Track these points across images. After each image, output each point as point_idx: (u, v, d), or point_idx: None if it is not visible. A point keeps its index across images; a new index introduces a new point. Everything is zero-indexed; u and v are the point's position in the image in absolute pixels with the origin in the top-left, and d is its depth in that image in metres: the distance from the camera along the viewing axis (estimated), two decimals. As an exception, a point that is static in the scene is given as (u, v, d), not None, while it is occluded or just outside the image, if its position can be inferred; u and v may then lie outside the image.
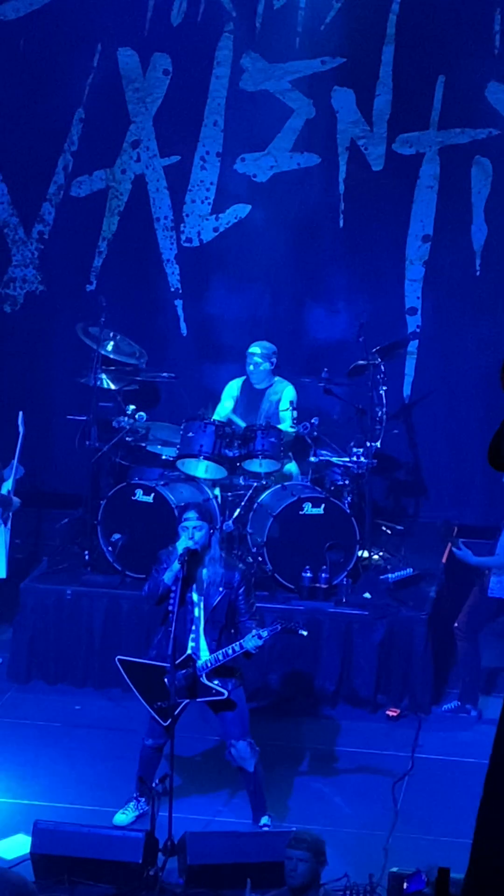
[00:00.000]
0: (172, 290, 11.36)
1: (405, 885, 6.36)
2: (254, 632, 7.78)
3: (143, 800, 8.03)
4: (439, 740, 9.16)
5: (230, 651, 7.80)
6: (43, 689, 9.75)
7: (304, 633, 8.01)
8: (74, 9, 11.03)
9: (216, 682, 7.85)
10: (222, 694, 7.84)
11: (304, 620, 9.56)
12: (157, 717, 7.86)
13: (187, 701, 7.83)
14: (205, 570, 7.92)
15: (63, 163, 11.28)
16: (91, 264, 11.35)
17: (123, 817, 8.10)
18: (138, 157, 11.25)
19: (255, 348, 10.27)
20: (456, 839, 7.98)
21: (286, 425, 10.10)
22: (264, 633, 7.78)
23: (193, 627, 7.91)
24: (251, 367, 10.28)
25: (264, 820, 7.98)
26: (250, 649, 7.79)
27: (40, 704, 9.53)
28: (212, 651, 7.87)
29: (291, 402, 10.22)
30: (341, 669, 9.56)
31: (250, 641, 7.76)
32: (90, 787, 8.46)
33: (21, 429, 10.00)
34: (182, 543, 7.88)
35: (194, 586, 7.91)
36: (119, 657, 8.11)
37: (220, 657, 7.81)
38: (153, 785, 7.56)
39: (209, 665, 7.82)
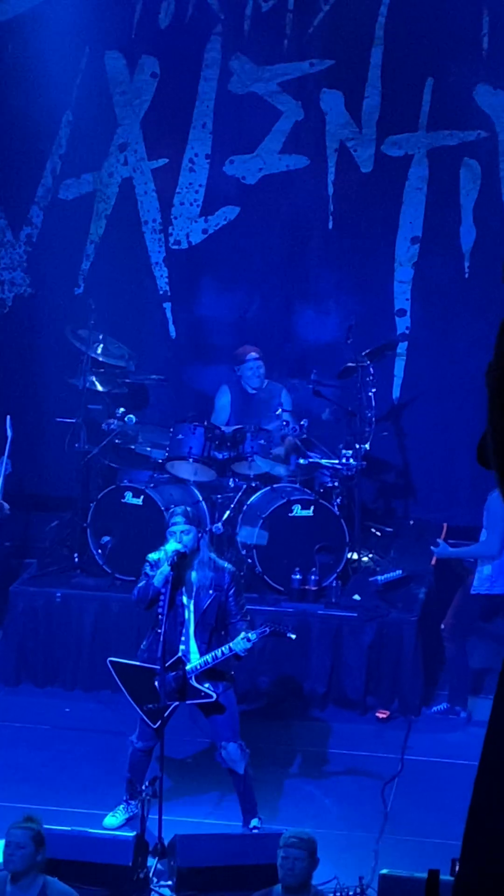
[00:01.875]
0: (161, 292, 11.35)
1: None
2: (242, 634, 7.78)
3: (133, 802, 8.03)
4: (429, 742, 9.16)
5: (220, 654, 7.80)
6: (32, 691, 9.74)
7: (293, 636, 8.01)
8: (62, 12, 11.01)
9: (206, 684, 7.84)
10: (212, 696, 7.83)
11: (294, 622, 9.58)
12: (146, 719, 7.85)
13: (177, 703, 7.83)
14: (194, 573, 7.92)
15: (51, 165, 11.27)
16: (79, 267, 11.34)
17: (113, 820, 8.09)
18: (126, 160, 11.24)
19: (253, 353, 10.29)
20: (445, 841, 7.98)
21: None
22: (253, 636, 7.78)
23: (183, 630, 7.91)
24: (251, 372, 10.28)
25: (254, 822, 7.98)
26: (239, 652, 7.79)
27: (30, 707, 9.52)
28: (202, 653, 7.87)
29: (280, 404, 10.25)
30: (331, 671, 9.56)
31: (239, 644, 7.76)
32: (80, 790, 8.45)
33: (9, 433, 9.99)
34: (171, 546, 7.87)
35: (184, 589, 7.91)
36: (110, 659, 8.10)
37: (210, 660, 7.81)
38: (143, 787, 7.55)
39: (199, 668, 7.82)
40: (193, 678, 7.81)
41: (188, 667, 7.82)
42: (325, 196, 11.01)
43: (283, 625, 8.13)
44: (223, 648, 7.78)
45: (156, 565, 7.93)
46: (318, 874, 6.99)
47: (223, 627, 7.90)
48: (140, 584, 8.00)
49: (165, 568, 7.82)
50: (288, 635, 7.91)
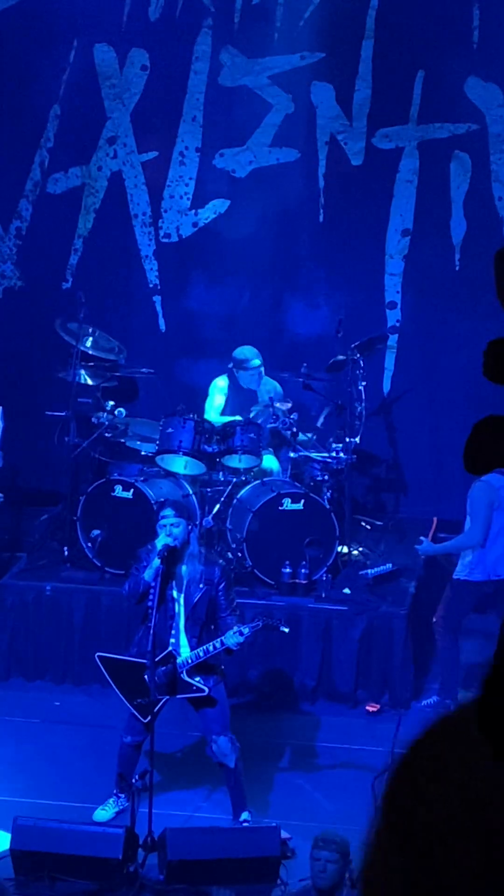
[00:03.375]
0: (151, 286, 11.33)
1: None
2: (235, 628, 7.76)
3: (123, 796, 8.01)
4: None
5: (211, 648, 7.79)
6: (22, 685, 9.73)
7: (286, 629, 7.99)
8: (51, 4, 10.98)
9: (197, 678, 7.83)
10: (203, 691, 7.82)
11: (284, 616, 9.56)
12: (136, 713, 7.84)
13: (167, 698, 7.82)
14: (184, 567, 7.90)
15: (39, 159, 11.24)
16: (68, 261, 11.32)
17: (103, 813, 8.08)
18: (115, 154, 11.22)
19: (253, 356, 10.23)
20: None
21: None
22: (245, 630, 7.77)
23: (173, 624, 7.89)
24: (250, 378, 10.26)
25: (244, 815, 7.96)
26: (231, 646, 7.77)
27: (19, 701, 9.50)
28: (192, 648, 7.86)
29: (271, 397, 10.25)
30: (321, 665, 9.56)
31: (232, 638, 7.74)
32: (70, 784, 8.43)
33: (1, 423, 9.97)
34: (161, 541, 7.86)
35: (174, 583, 7.89)
36: (99, 654, 8.09)
37: (201, 654, 7.79)
38: (133, 781, 7.54)
39: (190, 662, 7.81)
40: (185, 672, 7.80)
41: (179, 661, 7.81)
42: (315, 189, 11.00)
43: (276, 618, 8.11)
44: (215, 642, 7.77)
45: (144, 562, 7.91)
46: (308, 867, 6.98)
47: (213, 622, 7.89)
48: (129, 580, 7.99)
49: (156, 562, 7.80)
50: (281, 628, 7.89)
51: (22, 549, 10.69)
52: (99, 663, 8.03)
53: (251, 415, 10.14)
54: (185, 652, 7.84)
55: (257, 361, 10.26)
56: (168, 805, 8.00)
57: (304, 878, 7.07)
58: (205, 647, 7.78)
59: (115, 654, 8.13)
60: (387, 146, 10.94)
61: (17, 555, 10.62)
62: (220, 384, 10.45)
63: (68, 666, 9.74)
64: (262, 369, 10.30)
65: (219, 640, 7.77)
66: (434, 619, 9.43)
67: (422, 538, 9.54)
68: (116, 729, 8.12)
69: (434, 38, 10.69)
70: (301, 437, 10.13)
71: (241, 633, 7.72)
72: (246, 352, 10.31)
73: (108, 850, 7.40)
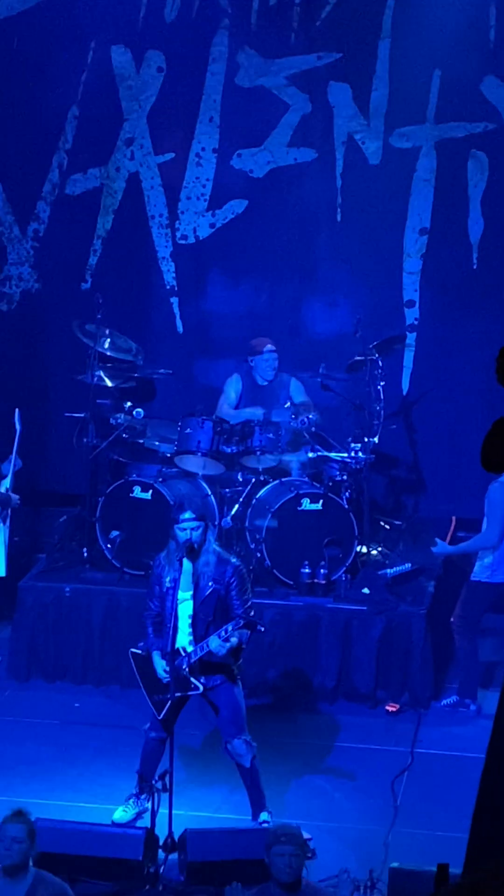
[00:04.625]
0: (168, 287, 11.35)
1: None
2: (219, 631, 7.71)
3: (143, 797, 8.02)
4: (439, 735, 9.15)
5: (199, 649, 7.77)
6: (42, 686, 9.75)
7: (262, 628, 7.92)
8: (68, 6, 11.01)
9: (202, 678, 7.82)
10: (198, 689, 7.80)
11: (303, 616, 9.59)
12: (153, 709, 7.85)
13: (179, 695, 7.78)
14: (199, 565, 7.89)
15: (57, 160, 11.27)
16: (86, 262, 11.34)
17: (123, 814, 8.09)
18: (132, 155, 11.24)
19: (268, 346, 10.28)
20: (455, 834, 7.96)
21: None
22: (223, 633, 7.69)
23: (185, 621, 7.87)
24: (266, 364, 10.29)
25: (264, 816, 7.96)
26: (213, 649, 7.73)
27: (39, 702, 9.52)
28: (194, 645, 7.84)
29: (291, 398, 10.27)
30: (340, 665, 9.55)
31: (213, 641, 7.72)
32: (89, 785, 8.45)
33: (18, 426, 9.99)
34: (180, 538, 7.84)
35: (188, 581, 7.89)
36: (132, 650, 8.07)
37: (198, 651, 7.79)
38: (153, 782, 7.54)
39: (189, 660, 7.79)
40: (187, 670, 7.78)
41: (179, 658, 7.78)
42: (333, 189, 11.00)
43: (254, 616, 7.99)
44: (203, 643, 7.74)
45: (161, 570, 7.90)
46: (328, 867, 6.99)
47: (224, 622, 7.82)
48: (152, 598, 7.96)
49: (175, 563, 7.81)
50: (258, 628, 7.83)
51: (41, 550, 10.72)
52: (131, 659, 8.03)
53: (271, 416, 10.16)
54: (189, 649, 7.83)
55: (270, 347, 10.28)
56: (188, 806, 8.01)
57: (324, 878, 7.07)
58: (199, 645, 7.77)
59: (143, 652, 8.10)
60: (404, 145, 10.93)
61: (36, 556, 10.65)
62: (234, 387, 10.48)
63: (88, 667, 9.75)
64: (277, 358, 10.31)
65: (205, 641, 7.74)
66: (452, 619, 9.42)
67: (437, 539, 9.54)
68: (136, 730, 8.14)
69: (451, 38, 10.67)
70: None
71: (220, 636, 7.69)
72: (260, 339, 10.36)
73: (128, 851, 7.41)
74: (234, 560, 7.99)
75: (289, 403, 10.28)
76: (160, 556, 8.00)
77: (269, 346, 10.36)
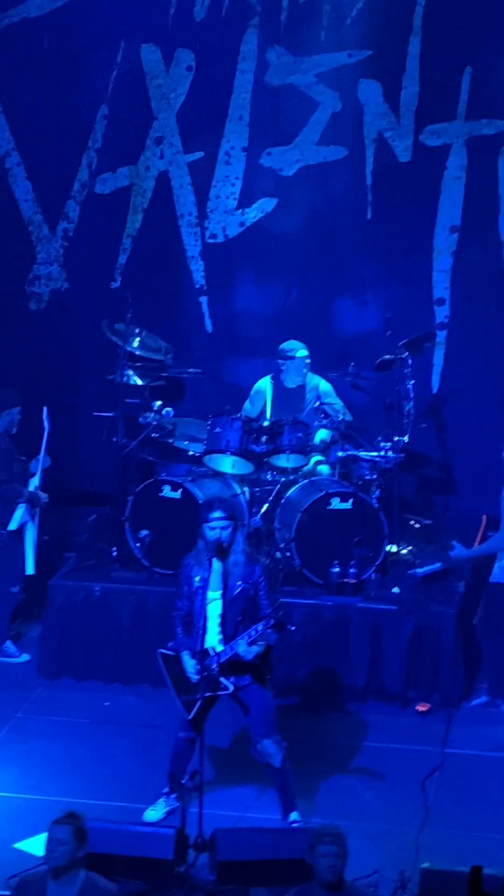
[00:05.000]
0: (197, 286, 11.34)
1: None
2: (248, 631, 7.69)
3: (174, 796, 8.01)
4: (469, 735, 9.12)
5: (228, 649, 7.75)
6: (72, 685, 9.75)
7: (293, 628, 7.89)
8: (98, 5, 11.02)
9: (231, 678, 7.80)
10: (228, 689, 7.79)
11: (333, 615, 9.57)
12: (182, 710, 7.84)
13: (208, 695, 7.77)
14: (228, 565, 7.87)
15: (87, 160, 11.28)
16: (116, 261, 11.35)
17: (154, 814, 8.08)
18: (162, 154, 11.24)
19: (302, 351, 10.24)
20: (487, 834, 7.96)
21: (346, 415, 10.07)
22: (252, 633, 7.67)
23: (214, 621, 7.86)
24: (295, 371, 10.24)
25: (293, 816, 7.94)
26: (241, 653, 7.71)
27: (69, 701, 9.53)
28: (224, 645, 7.83)
29: (319, 397, 10.23)
30: (370, 665, 9.53)
31: (240, 646, 7.70)
32: (120, 784, 8.44)
33: (46, 424, 10.00)
34: (210, 537, 7.83)
35: (217, 581, 7.87)
36: (161, 650, 8.06)
37: (227, 651, 7.77)
38: (183, 781, 7.53)
39: (219, 660, 7.78)
40: (216, 669, 7.77)
41: (209, 657, 7.77)
42: (363, 187, 10.98)
43: (285, 615, 7.95)
44: (231, 644, 7.72)
45: (190, 571, 7.89)
46: (360, 867, 6.96)
47: (253, 622, 7.80)
48: (181, 600, 7.95)
49: (204, 562, 7.80)
50: (289, 627, 7.80)
51: (70, 549, 10.73)
52: (159, 659, 8.02)
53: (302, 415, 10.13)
54: (219, 649, 7.82)
55: (303, 352, 10.24)
56: (218, 805, 8.00)
57: (357, 877, 7.04)
58: (228, 645, 7.75)
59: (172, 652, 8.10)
60: (434, 143, 10.90)
61: (65, 555, 10.66)
62: (262, 389, 10.43)
63: (117, 666, 9.76)
64: (308, 364, 10.27)
65: (230, 644, 7.71)
66: (475, 621, 9.39)
67: (454, 543, 9.49)
68: (166, 729, 8.14)
69: (481, 35, 10.64)
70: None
71: (248, 637, 7.66)
72: (293, 343, 10.32)
73: (158, 850, 7.39)
74: (262, 559, 7.99)
75: (318, 403, 10.23)
76: (189, 556, 7.99)
77: (302, 352, 10.28)
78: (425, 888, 7.03)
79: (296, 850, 7.41)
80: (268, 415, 10.27)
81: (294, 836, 7.64)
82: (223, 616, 7.83)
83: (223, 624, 7.83)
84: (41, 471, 9.99)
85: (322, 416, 10.10)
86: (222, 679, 7.77)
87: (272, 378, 10.47)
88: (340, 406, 10.26)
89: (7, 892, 6.83)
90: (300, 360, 10.26)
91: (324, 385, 10.38)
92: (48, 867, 6.58)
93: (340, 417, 10.07)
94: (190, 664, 7.81)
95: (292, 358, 10.28)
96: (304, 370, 10.30)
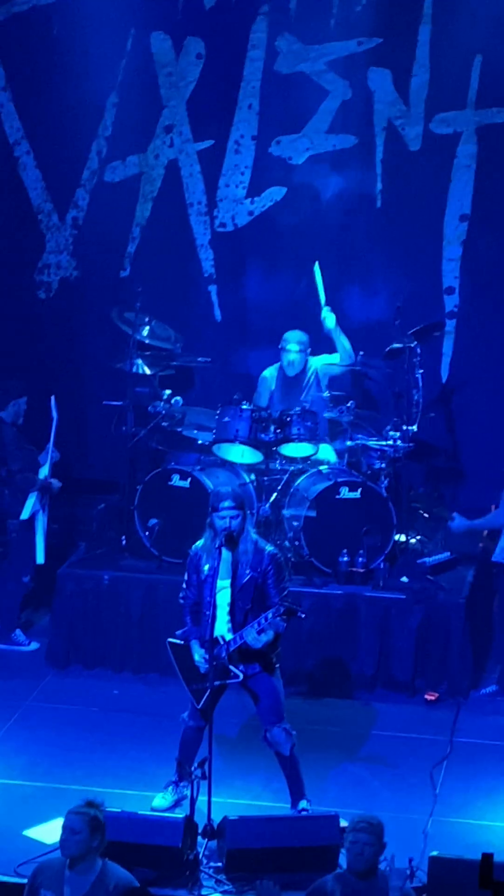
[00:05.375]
0: (206, 275, 11.34)
1: None
2: (257, 620, 7.69)
3: (182, 784, 8.02)
4: (478, 724, 9.13)
5: (238, 638, 7.75)
6: (81, 673, 9.77)
7: (303, 615, 7.87)
8: (107, -7, 11.02)
9: (240, 666, 7.80)
10: (238, 677, 7.79)
11: (341, 605, 9.57)
12: (192, 698, 7.85)
13: (219, 683, 7.78)
14: (237, 554, 7.87)
15: (97, 148, 11.27)
16: (125, 250, 11.35)
17: (162, 801, 8.09)
18: (171, 142, 11.23)
19: (292, 345, 10.23)
20: (494, 823, 7.97)
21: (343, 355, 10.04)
22: (263, 621, 7.66)
23: (223, 609, 7.86)
24: (290, 359, 10.25)
25: (303, 804, 7.95)
26: (249, 642, 7.71)
27: (78, 689, 9.55)
28: (233, 634, 7.83)
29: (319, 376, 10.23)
30: (379, 653, 9.54)
31: (249, 634, 7.69)
32: (128, 772, 8.46)
33: (54, 414, 10.01)
34: (219, 526, 7.82)
35: (226, 569, 7.87)
36: (169, 640, 8.06)
37: (237, 640, 7.77)
38: (192, 769, 7.54)
39: (228, 648, 7.78)
40: (226, 658, 7.78)
41: (218, 647, 7.77)
42: (372, 175, 10.96)
43: (297, 603, 7.94)
44: (240, 633, 7.72)
45: (200, 561, 7.88)
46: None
47: (262, 610, 7.79)
48: (188, 590, 7.96)
49: (214, 552, 7.80)
50: (299, 614, 7.79)
51: (80, 538, 10.73)
52: (168, 648, 8.02)
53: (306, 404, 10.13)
54: (228, 637, 7.82)
55: (294, 346, 10.23)
56: (227, 793, 8.02)
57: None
58: (238, 633, 7.75)
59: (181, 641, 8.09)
60: (444, 131, 10.88)
61: (74, 544, 10.67)
62: (267, 377, 10.45)
63: (127, 654, 9.77)
64: (303, 353, 10.24)
65: (239, 632, 7.71)
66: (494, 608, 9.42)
67: (454, 514, 9.50)
68: (174, 717, 8.14)
69: (492, 22, 10.60)
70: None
71: (257, 625, 7.66)
72: (288, 334, 10.31)
73: (167, 838, 7.41)
74: (270, 548, 7.95)
75: (327, 393, 10.23)
76: (197, 545, 7.99)
77: (290, 345, 10.28)
78: (434, 876, 7.04)
79: (305, 838, 7.45)
80: (265, 402, 10.27)
81: (303, 823, 7.67)
82: (232, 605, 7.83)
83: (232, 612, 7.83)
84: (50, 463, 9.99)
85: (332, 404, 10.10)
86: (231, 668, 7.78)
87: (278, 367, 10.47)
88: (344, 351, 10.19)
89: (22, 881, 6.84)
90: (293, 352, 10.26)
91: (319, 362, 10.34)
92: (63, 856, 6.58)
93: (348, 405, 10.00)
94: (199, 653, 7.82)
95: (285, 350, 10.30)
96: (301, 358, 10.29)
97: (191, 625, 7.93)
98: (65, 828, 6.55)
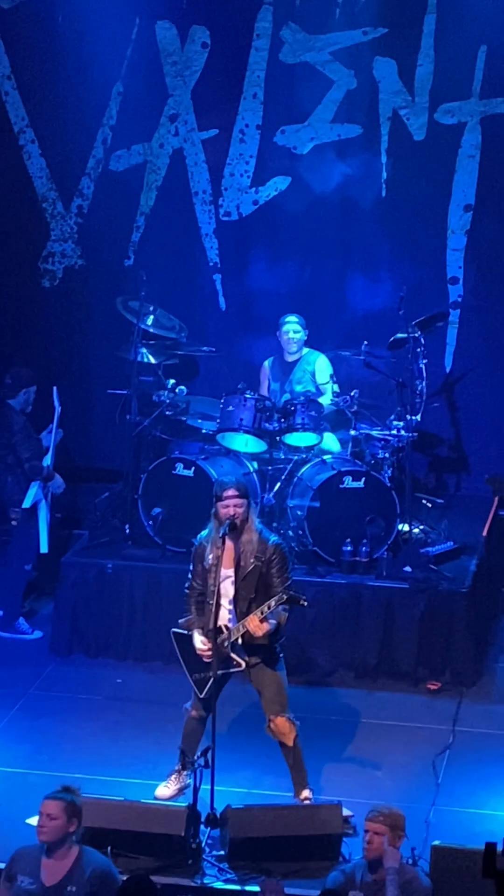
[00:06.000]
0: (211, 264, 11.34)
1: None
2: (260, 608, 7.69)
3: (185, 773, 8.04)
4: (480, 713, 9.13)
5: (241, 627, 7.76)
6: (84, 662, 9.78)
7: (305, 603, 7.87)
8: (113, -19, 11.00)
9: (244, 656, 7.81)
10: (240, 666, 7.80)
11: (345, 594, 9.58)
12: (194, 687, 7.87)
13: (220, 672, 7.79)
14: (240, 541, 7.88)
15: (101, 137, 11.27)
16: (130, 239, 11.35)
17: (165, 790, 8.11)
18: (176, 131, 11.23)
19: (290, 325, 10.27)
20: (497, 812, 7.98)
21: (327, 398, 10.13)
22: (264, 611, 7.67)
23: (227, 599, 7.87)
24: (288, 337, 10.28)
25: (305, 793, 7.97)
26: (251, 630, 7.71)
27: (82, 678, 9.56)
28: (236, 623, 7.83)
29: (332, 376, 10.23)
30: (382, 643, 9.55)
31: (252, 623, 7.69)
32: (132, 760, 8.48)
33: (57, 405, 10.02)
34: (223, 515, 7.83)
35: (230, 559, 7.88)
36: (174, 629, 8.07)
37: (241, 629, 7.78)
38: (195, 758, 7.56)
39: (231, 637, 7.79)
40: (230, 647, 7.79)
41: (221, 636, 7.79)
42: (377, 165, 10.96)
43: (298, 591, 7.94)
44: (244, 621, 7.73)
45: (202, 552, 7.90)
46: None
47: (266, 599, 7.81)
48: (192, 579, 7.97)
49: (218, 540, 7.81)
50: (302, 602, 7.79)
51: (83, 526, 10.75)
52: (172, 639, 8.03)
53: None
54: (232, 627, 7.83)
55: (293, 319, 10.22)
56: (230, 782, 8.03)
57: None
58: (242, 622, 7.75)
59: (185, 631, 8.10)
60: (449, 121, 10.87)
61: (78, 532, 10.68)
62: (266, 366, 10.47)
63: (130, 643, 9.79)
64: (303, 336, 10.26)
65: (245, 620, 7.72)
66: None
67: None
68: (177, 706, 8.15)
69: (497, 13, 10.59)
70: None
71: (262, 612, 7.67)
72: (285, 318, 10.33)
73: (170, 826, 7.43)
74: (275, 538, 7.97)
75: (330, 382, 10.23)
76: (202, 536, 8.00)
77: (290, 326, 10.29)
78: (436, 865, 7.06)
79: (308, 826, 7.47)
80: (265, 391, 10.29)
81: (306, 812, 7.69)
82: (236, 594, 7.85)
83: (236, 601, 7.85)
84: (54, 444, 10.00)
85: (334, 394, 10.10)
86: (235, 656, 7.79)
87: (274, 356, 10.49)
88: (327, 388, 10.21)
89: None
90: (291, 332, 10.27)
91: (320, 364, 10.35)
92: (39, 842, 6.60)
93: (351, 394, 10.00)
94: (201, 641, 7.82)
95: (283, 331, 10.33)
96: (300, 339, 10.29)
97: (194, 615, 7.95)
98: (41, 813, 6.56)
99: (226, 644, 7.78)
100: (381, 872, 6.64)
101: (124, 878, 6.51)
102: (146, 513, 9.98)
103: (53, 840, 6.55)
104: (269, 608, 7.69)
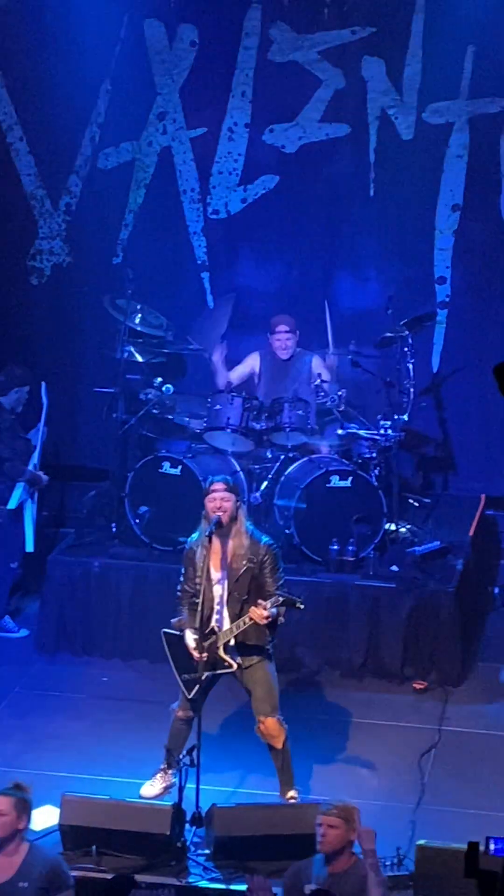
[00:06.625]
0: (199, 262, 11.33)
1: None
2: (248, 614, 7.70)
3: (171, 771, 8.04)
4: (466, 713, 9.14)
5: (241, 623, 7.75)
6: (70, 660, 9.78)
7: (302, 606, 7.88)
8: (101, -21, 10.98)
9: (236, 657, 7.80)
10: (232, 667, 7.80)
11: (332, 593, 9.59)
12: (183, 688, 7.86)
13: (209, 674, 7.79)
14: (230, 543, 7.88)
15: (90, 135, 11.25)
16: (118, 237, 11.34)
17: (151, 789, 8.11)
18: (165, 129, 11.22)
19: (283, 326, 10.27)
20: (482, 812, 7.99)
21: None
22: (268, 605, 7.69)
23: (217, 600, 7.87)
24: (278, 344, 10.28)
25: (291, 793, 7.97)
26: (256, 619, 7.71)
27: (67, 676, 9.55)
28: (229, 624, 7.83)
29: (320, 375, 10.23)
30: (368, 642, 9.55)
31: (255, 613, 7.69)
32: (117, 759, 8.47)
33: (45, 400, 10.01)
34: (210, 509, 7.83)
35: (222, 560, 7.88)
36: (165, 630, 8.06)
37: (235, 629, 7.78)
38: (181, 757, 7.56)
39: (223, 639, 7.78)
40: (222, 648, 7.79)
41: (213, 638, 7.78)
42: (365, 164, 10.95)
43: (295, 594, 7.95)
44: (244, 618, 7.73)
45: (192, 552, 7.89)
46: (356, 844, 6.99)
47: (258, 599, 7.81)
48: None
49: (205, 539, 7.79)
50: (298, 605, 7.80)
51: (69, 524, 10.74)
52: (163, 639, 8.02)
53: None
54: (224, 627, 7.82)
55: (285, 328, 10.24)
56: (215, 781, 8.03)
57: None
58: (237, 622, 7.75)
59: (162, 629, 8.10)
60: (437, 121, 10.87)
61: (64, 530, 10.68)
62: (251, 361, 10.45)
63: (116, 641, 9.78)
64: (291, 339, 10.26)
65: (242, 619, 7.72)
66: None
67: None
68: (164, 705, 8.15)
69: (485, 13, 10.59)
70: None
71: (265, 607, 7.66)
72: (276, 319, 10.33)
73: (155, 825, 7.43)
74: (266, 539, 7.96)
75: (319, 381, 10.23)
76: (192, 539, 7.98)
77: (283, 327, 10.30)
78: (421, 865, 7.07)
79: (293, 825, 7.46)
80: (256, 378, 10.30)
81: (291, 811, 7.69)
82: (228, 595, 7.84)
83: (228, 603, 7.84)
84: (41, 444, 10.00)
85: (322, 394, 10.10)
86: (225, 657, 7.78)
87: (262, 354, 10.48)
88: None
89: None
90: (283, 332, 10.27)
91: (316, 361, 10.35)
92: None
93: (339, 393, 10.01)
94: (192, 642, 7.81)
95: (274, 333, 10.32)
96: (286, 346, 10.29)
97: (186, 617, 7.93)
98: None
99: (217, 646, 7.77)
100: (336, 864, 6.65)
101: (73, 875, 6.55)
102: (133, 511, 9.97)
103: (3, 836, 6.57)
104: (265, 608, 7.68)
